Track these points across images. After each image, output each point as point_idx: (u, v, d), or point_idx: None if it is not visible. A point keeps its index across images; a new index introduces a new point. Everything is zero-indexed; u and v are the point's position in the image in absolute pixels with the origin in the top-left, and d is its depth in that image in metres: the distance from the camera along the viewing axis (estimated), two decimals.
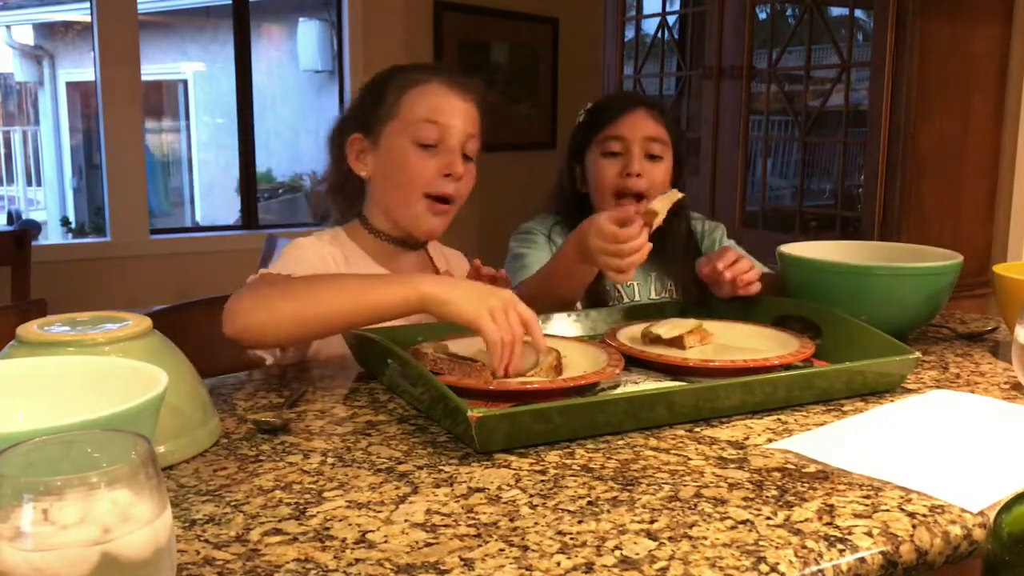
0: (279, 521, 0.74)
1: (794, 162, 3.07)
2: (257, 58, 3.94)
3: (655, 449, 0.91)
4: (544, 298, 1.39)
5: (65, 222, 5.66)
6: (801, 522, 0.74)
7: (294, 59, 5.77)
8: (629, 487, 0.81)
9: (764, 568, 0.67)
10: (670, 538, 0.71)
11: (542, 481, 0.83)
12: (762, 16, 3.12)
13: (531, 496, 0.79)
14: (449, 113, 1.33)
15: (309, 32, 5.51)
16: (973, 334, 1.42)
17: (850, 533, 0.72)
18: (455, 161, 1.33)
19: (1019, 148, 2.66)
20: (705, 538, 0.71)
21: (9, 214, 5.19)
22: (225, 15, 4.07)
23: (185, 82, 6.70)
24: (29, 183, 6.85)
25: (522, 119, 4.54)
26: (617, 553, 0.69)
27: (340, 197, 1.44)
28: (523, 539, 0.71)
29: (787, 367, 1.11)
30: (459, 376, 1.04)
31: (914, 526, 0.74)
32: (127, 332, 0.89)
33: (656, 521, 0.74)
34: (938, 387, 1.14)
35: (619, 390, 1.08)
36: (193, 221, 6.35)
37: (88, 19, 3.51)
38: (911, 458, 0.89)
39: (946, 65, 2.56)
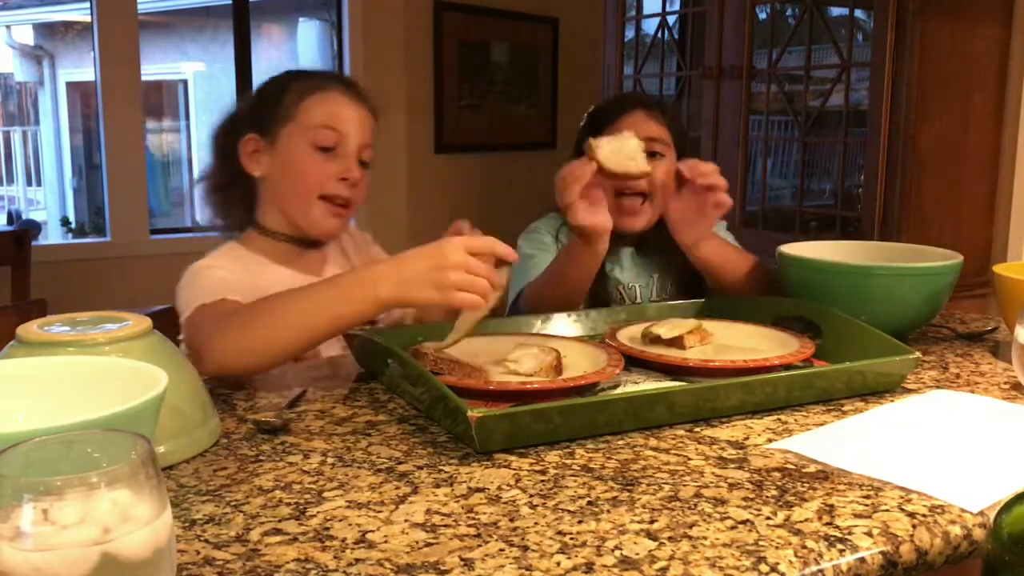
0: (279, 521, 0.75)
1: (794, 162, 3.07)
2: (257, 58, 3.93)
3: (655, 449, 0.91)
4: (554, 292, 1.44)
5: (65, 222, 5.67)
6: (801, 522, 0.74)
7: (294, 59, 5.77)
8: (629, 487, 0.81)
9: (764, 568, 0.67)
10: (670, 538, 0.71)
11: (542, 481, 0.83)
12: (762, 16, 3.12)
13: (531, 496, 0.79)
14: (347, 120, 1.36)
15: (309, 32, 5.51)
16: (973, 334, 1.42)
17: (850, 533, 0.72)
18: (352, 167, 1.36)
19: (1019, 148, 2.66)
20: (705, 538, 0.71)
21: (9, 214, 5.20)
22: (225, 15, 4.07)
23: (185, 82, 6.71)
24: (29, 183, 6.85)
25: (522, 119, 4.54)
26: (617, 553, 0.69)
27: (221, 196, 1.43)
28: (523, 539, 0.71)
29: (787, 367, 1.11)
30: (459, 376, 1.04)
31: (914, 526, 0.74)
32: (127, 332, 0.89)
33: (656, 521, 0.74)
34: (938, 387, 1.14)
35: (619, 390, 1.08)
36: (193, 221, 6.34)
37: (88, 19, 3.50)
38: (911, 458, 0.89)
39: (946, 65, 2.56)
